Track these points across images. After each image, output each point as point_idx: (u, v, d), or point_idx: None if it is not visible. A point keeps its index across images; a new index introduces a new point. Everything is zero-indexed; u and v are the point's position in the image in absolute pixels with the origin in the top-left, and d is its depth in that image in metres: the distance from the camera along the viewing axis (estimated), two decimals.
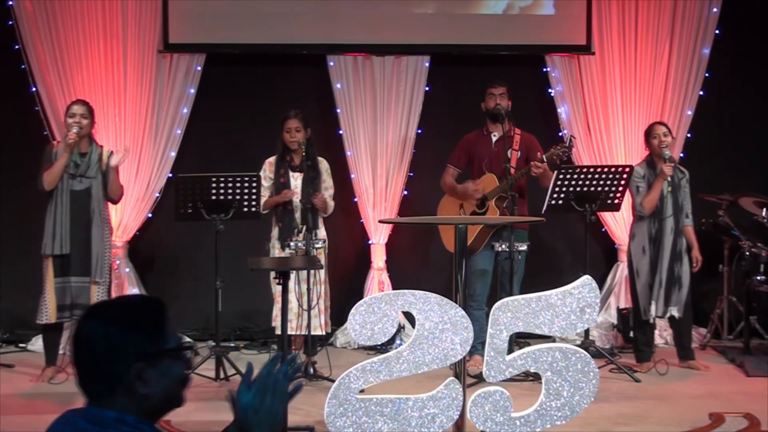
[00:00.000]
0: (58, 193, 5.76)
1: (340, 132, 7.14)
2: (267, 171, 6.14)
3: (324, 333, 6.11)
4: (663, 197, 6.05)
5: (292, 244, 5.91)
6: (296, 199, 6.05)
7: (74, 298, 5.75)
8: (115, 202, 6.10)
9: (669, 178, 6.01)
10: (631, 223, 6.37)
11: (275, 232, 6.13)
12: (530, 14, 7.17)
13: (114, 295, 6.84)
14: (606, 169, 6.11)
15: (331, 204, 6.17)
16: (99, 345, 1.88)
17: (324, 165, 6.20)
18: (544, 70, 7.23)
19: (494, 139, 6.27)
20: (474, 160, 6.32)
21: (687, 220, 6.18)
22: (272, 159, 6.17)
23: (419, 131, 7.18)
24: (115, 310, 1.95)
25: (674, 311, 6.05)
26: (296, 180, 6.09)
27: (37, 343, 6.52)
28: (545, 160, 5.93)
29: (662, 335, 6.83)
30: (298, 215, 6.05)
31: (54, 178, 5.74)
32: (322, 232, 6.12)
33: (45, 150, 5.88)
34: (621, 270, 7.18)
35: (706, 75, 7.21)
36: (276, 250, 6.10)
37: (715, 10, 7.16)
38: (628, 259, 6.32)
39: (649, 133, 6.19)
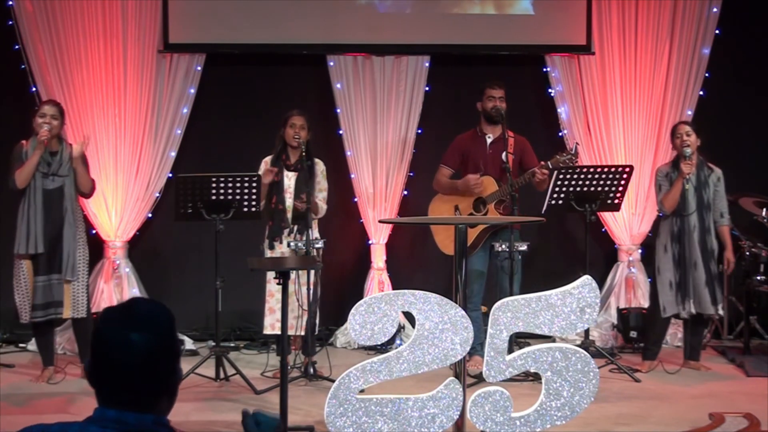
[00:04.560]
0: (30, 192, 5.70)
1: (340, 132, 7.14)
2: (261, 170, 6.12)
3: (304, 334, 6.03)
4: (684, 195, 6.05)
5: (292, 244, 5.90)
6: (289, 198, 6.04)
7: (49, 296, 5.70)
8: (87, 196, 6.01)
9: (689, 177, 6.00)
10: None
11: (267, 231, 6.12)
12: (530, 14, 7.17)
13: (113, 295, 6.85)
14: (606, 169, 6.12)
15: (323, 207, 6.12)
16: (161, 355, 1.90)
17: (320, 167, 6.17)
18: (544, 70, 7.22)
19: (489, 141, 6.25)
20: (468, 161, 6.28)
21: (722, 220, 6.13)
22: (268, 158, 6.15)
23: (419, 131, 7.17)
24: (155, 318, 1.94)
25: (720, 309, 6.08)
26: (290, 179, 6.07)
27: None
28: (551, 166, 5.91)
29: None
30: (289, 215, 6.03)
31: (27, 176, 5.69)
32: (314, 233, 6.05)
33: (14, 149, 5.82)
34: (621, 270, 7.18)
35: (706, 75, 7.20)
36: (266, 250, 6.09)
37: (715, 10, 7.15)
38: (653, 256, 6.35)
39: (672, 133, 6.20)
